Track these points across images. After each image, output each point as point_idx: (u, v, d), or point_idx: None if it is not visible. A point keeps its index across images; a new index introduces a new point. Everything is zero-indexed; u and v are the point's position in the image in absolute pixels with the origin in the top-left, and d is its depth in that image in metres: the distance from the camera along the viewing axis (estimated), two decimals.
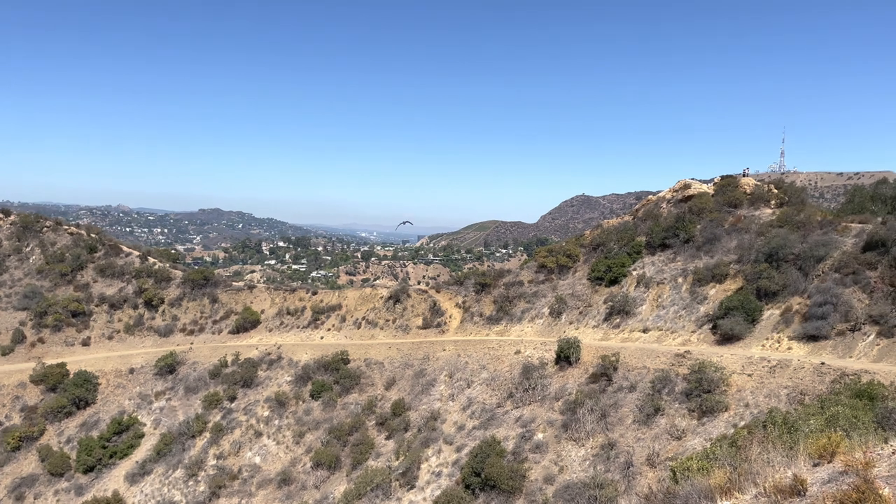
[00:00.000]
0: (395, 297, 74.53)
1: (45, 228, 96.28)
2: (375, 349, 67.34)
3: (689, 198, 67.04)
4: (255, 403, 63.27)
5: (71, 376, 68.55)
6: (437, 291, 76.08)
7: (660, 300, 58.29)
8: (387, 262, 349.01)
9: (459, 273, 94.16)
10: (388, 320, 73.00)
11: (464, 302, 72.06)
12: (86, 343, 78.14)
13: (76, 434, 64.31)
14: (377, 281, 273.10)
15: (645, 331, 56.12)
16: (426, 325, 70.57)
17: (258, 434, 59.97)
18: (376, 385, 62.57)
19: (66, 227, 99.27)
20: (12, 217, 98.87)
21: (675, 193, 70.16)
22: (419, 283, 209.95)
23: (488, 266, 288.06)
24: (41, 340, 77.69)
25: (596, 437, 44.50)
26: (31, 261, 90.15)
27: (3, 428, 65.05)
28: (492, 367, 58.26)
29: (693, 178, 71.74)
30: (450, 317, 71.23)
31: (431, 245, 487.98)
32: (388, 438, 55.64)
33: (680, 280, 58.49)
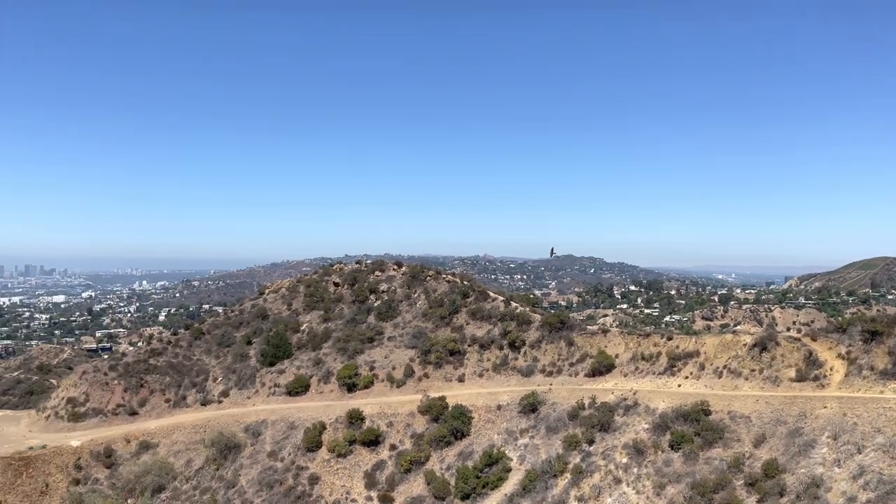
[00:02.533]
0: (762, 345, 68.05)
1: (428, 277, 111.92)
2: (740, 401, 62.10)
3: None
4: (612, 449, 63.22)
5: (449, 409, 77.23)
6: (813, 339, 67.39)
7: None
8: (748, 305, 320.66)
9: (840, 318, 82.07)
10: (753, 370, 66.91)
11: (848, 352, 62.46)
12: (461, 379, 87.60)
13: (454, 462, 71.86)
14: (738, 326, 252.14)
15: None
16: (800, 378, 62.83)
17: (617, 480, 59.61)
18: (742, 441, 57.47)
19: (444, 275, 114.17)
20: (404, 268, 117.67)
21: None
22: (788, 329, 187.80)
23: (878, 310, 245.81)
24: (426, 375, 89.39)
25: None
26: (417, 305, 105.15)
27: (397, 451, 75.94)
28: (889, 430, 49.08)
29: None
30: (830, 369, 62.36)
31: (802, 287, 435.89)
32: (759, 501, 50.45)
33: None
